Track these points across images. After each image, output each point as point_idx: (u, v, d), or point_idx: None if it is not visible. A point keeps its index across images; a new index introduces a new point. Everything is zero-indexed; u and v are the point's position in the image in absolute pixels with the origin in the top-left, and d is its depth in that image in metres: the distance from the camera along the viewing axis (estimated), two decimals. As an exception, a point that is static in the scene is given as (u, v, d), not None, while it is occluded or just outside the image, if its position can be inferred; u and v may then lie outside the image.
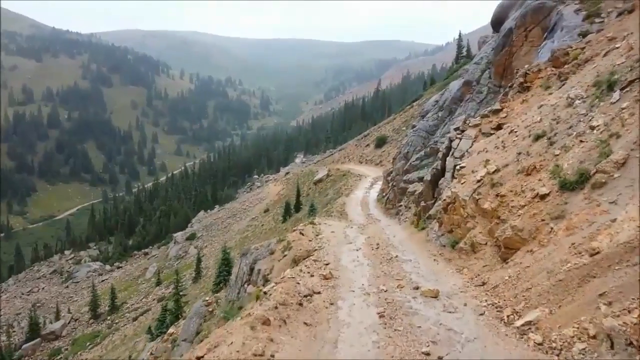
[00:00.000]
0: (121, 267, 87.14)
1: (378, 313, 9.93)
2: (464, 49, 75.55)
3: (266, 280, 15.99)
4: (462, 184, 14.45)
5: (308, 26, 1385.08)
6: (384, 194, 34.58)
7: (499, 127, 16.64)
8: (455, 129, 19.33)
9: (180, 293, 38.52)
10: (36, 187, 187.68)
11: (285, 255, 17.36)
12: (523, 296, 9.06)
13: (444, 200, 15.19)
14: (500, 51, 23.88)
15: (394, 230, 22.24)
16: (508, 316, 8.90)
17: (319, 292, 11.36)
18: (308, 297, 10.94)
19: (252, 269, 19.20)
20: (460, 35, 77.13)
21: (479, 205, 12.80)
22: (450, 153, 18.24)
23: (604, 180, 9.44)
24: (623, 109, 10.48)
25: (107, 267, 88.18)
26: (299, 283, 11.83)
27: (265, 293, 11.51)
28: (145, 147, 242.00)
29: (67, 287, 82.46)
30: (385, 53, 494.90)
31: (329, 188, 49.94)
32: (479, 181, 13.33)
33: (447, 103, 28.91)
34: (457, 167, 15.84)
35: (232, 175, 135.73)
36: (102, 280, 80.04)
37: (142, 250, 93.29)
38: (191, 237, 74.84)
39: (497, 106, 18.28)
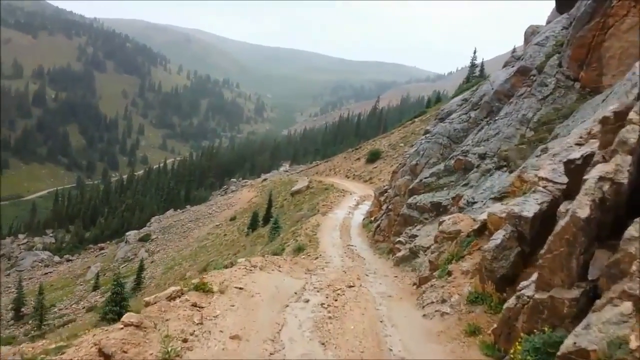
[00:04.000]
0: (71, 260, 78.78)
1: None
2: (476, 68, 68.68)
3: None
4: None
5: (311, 39, 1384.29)
6: (374, 219, 26.06)
7: None
8: None
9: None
10: (9, 164, 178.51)
11: None
12: None
13: None
14: (586, 24, 14.49)
15: (408, 321, 10.69)
16: None
17: None
18: None
19: None
20: (475, 53, 70.05)
21: None
22: None
23: None
24: None
25: (57, 258, 79.73)
26: None
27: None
28: (129, 138, 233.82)
29: (9, 275, 74.15)
30: (386, 75, 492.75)
31: (306, 202, 42.00)
32: None
33: (485, 99, 20.22)
34: None
35: (212, 176, 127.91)
36: (46, 273, 71.78)
37: (98, 245, 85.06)
38: (145, 238, 66.32)
39: None
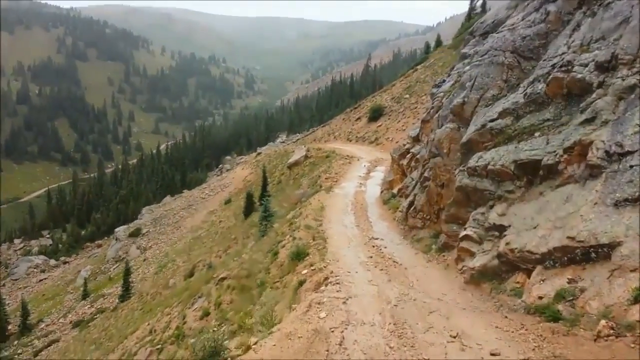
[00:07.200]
0: (68, 262, 74.08)
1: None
2: (477, 3, 60.79)
3: None
4: None
5: (296, 5, 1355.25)
6: (397, 191, 19.50)
7: None
8: None
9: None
10: (1, 166, 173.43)
11: None
12: None
13: None
14: None
15: None
16: None
17: None
18: None
19: None
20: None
21: None
22: None
23: None
24: None
25: (53, 261, 74.89)
26: None
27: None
28: (121, 126, 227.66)
29: (4, 285, 69.46)
30: (375, 34, 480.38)
31: (305, 175, 35.88)
32: None
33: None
34: None
35: (208, 156, 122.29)
36: (41, 280, 66.99)
37: (96, 242, 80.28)
38: (135, 234, 60.03)
39: None
